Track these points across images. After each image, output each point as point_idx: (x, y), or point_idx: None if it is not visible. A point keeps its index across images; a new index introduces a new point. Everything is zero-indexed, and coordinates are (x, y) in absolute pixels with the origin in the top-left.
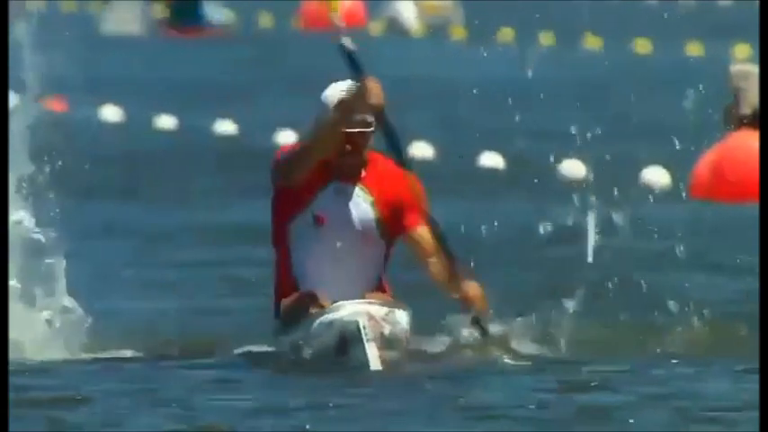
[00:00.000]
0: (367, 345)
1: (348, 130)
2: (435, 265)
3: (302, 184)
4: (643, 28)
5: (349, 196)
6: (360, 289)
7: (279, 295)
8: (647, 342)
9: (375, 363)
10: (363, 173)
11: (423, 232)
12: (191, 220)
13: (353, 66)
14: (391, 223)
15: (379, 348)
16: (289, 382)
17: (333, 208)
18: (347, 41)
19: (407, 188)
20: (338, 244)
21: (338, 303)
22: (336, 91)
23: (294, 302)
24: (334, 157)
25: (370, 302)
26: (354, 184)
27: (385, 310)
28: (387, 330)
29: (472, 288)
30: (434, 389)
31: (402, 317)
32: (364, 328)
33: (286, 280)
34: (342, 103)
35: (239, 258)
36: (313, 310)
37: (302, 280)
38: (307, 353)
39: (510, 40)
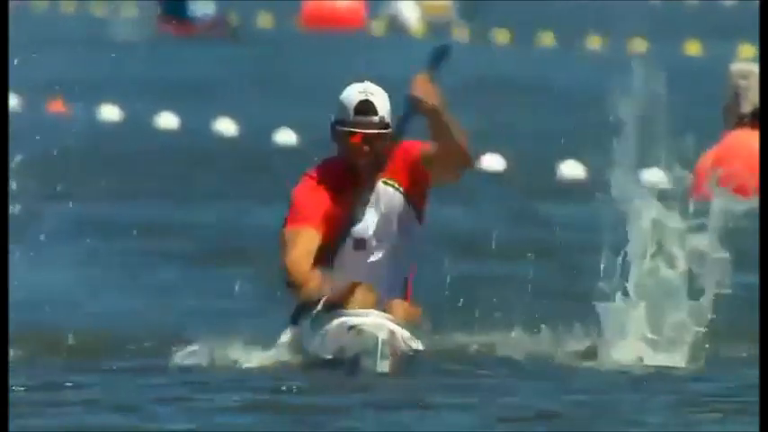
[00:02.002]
0: (380, 362)
1: (365, 131)
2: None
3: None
4: (645, 28)
5: (379, 196)
6: (396, 278)
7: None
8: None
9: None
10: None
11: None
12: (190, 219)
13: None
14: (415, 191)
15: (391, 366)
16: (289, 381)
17: (370, 218)
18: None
19: (419, 160)
20: (382, 250)
21: (367, 310)
22: (354, 92)
23: (342, 292)
24: (351, 161)
25: (394, 320)
26: (376, 181)
27: (407, 333)
28: (401, 350)
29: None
30: (442, 388)
31: (419, 342)
32: (383, 343)
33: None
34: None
35: (239, 258)
36: (346, 308)
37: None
38: (320, 350)
39: (509, 40)
